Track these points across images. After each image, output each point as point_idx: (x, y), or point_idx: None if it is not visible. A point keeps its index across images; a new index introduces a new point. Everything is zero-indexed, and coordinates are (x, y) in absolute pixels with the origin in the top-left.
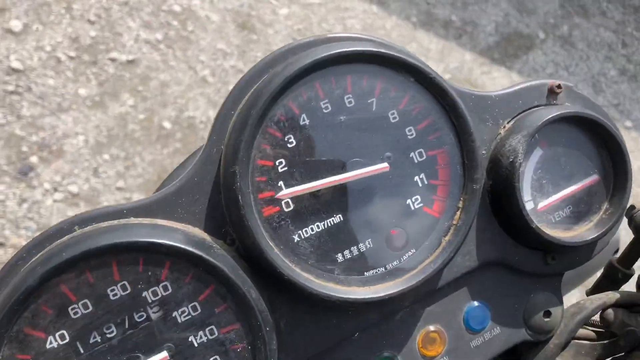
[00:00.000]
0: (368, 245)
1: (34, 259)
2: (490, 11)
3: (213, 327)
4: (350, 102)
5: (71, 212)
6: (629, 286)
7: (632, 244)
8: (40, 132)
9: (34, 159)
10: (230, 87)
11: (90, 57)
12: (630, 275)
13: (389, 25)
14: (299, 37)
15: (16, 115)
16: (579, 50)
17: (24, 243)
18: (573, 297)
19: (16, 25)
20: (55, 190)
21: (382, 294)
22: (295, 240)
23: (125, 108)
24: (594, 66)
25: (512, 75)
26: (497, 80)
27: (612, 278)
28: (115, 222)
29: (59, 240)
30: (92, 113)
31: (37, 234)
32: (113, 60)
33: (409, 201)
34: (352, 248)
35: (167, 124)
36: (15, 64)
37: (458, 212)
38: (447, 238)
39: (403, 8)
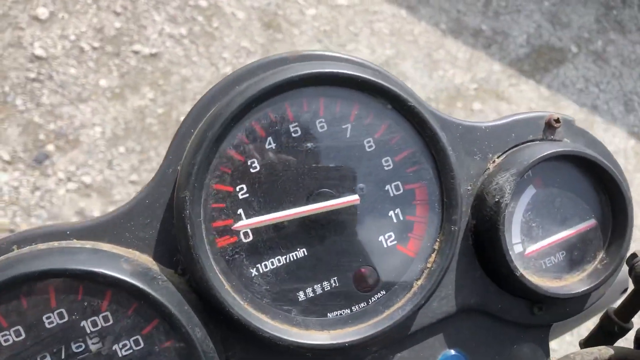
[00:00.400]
0: (333, 284)
1: None
2: (522, 22)
3: None
4: (322, 127)
5: (83, 203)
6: (627, 341)
7: (632, 296)
8: (58, 120)
9: (50, 148)
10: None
11: (114, 48)
12: (627, 330)
13: (417, 30)
14: (325, 39)
15: (36, 102)
16: (612, 66)
17: None
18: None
19: (43, 12)
20: (69, 180)
21: (342, 341)
22: (252, 275)
23: (145, 101)
24: (626, 84)
25: (540, 89)
26: (524, 93)
27: (608, 330)
28: (56, 244)
29: None
30: (111, 104)
31: (48, 222)
32: (136, 52)
33: (381, 238)
34: (315, 286)
35: None
36: (39, 52)
37: (433, 255)
38: (419, 282)
39: (433, 14)
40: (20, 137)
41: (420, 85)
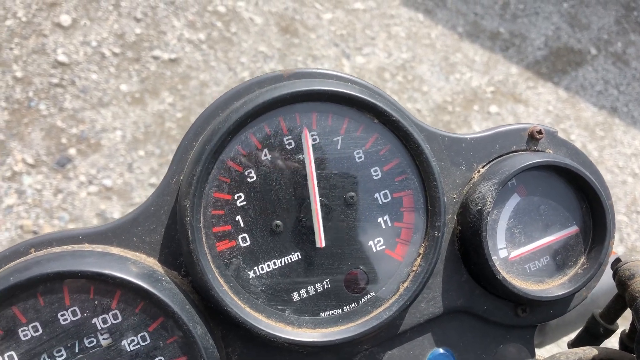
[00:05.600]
0: (325, 286)
1: None
2: (540, 24)
3: (161, 358)
4: (314, 139)
5: (103, 206)
6: (612, 342)
7: (616, 299)
8: (80, 125)
9: (72, 151)
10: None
11: (134, 54)
12: (612, 331)
13: (434, 34)
14: (341, 43)
15: (59, 107)
16: (632, 68)
17: None
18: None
19: (65, 20)
20: (90, 183)
21: (332, 338)
22: (249, 277)
23: (164, 106)
24: None
25: (558, 91)
26: (542, 96)
27: (594, 332)
28: (70, 247)
29: (12, 263)
30: (132, 109)
31: (69, 226)
32: (156, 58)
33: (371, 242)
34: (308, 288)
35: None
36: (62, 58)
37: (419, 259)
38: (405, 284)
39: (450, 18)
40: (43, 141)
41: (437, 88)
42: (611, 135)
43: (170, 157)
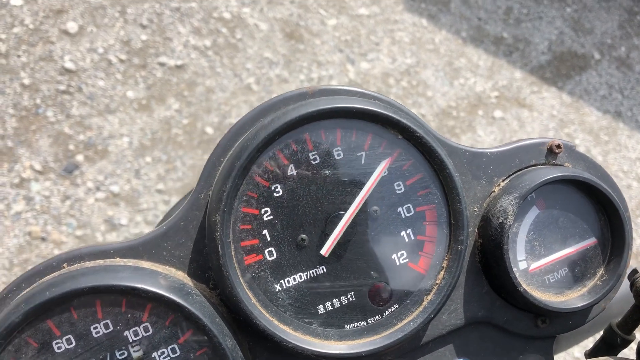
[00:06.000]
0: (350, 299)
1: (22, 294)
2: (544, 29)
3: None
4: (339, 155)
5: (111, 212)
6: (630, 352)
7: (633, 310)
8: (88, 131)
9: (79, 158)
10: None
11: (140, 60)
12: (629, 341)
13: (438, 39)
14: (346, 49)
15: (66, 114)
16: (636, 72)
17: (64, 239)
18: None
19: (72, 27)
20: (98, 189)
21: (359, 350)
22: (276, 290)
23: (171, 112)
24: None
25: (562, 96)
26: (546, 101)
27: (611, 342)
28: (101, 262)
29: (45, 278)
30: (138, 115)
31: (78, 232)
32: (162, 64)
33: (394, 256)
34: (333, 300)
35: (209, 130)
36: (69, 65)
37: (442, 272)
38: (429, 297)
39: (453, 22)
40: (51, 148)
41: (441, 93)
42: (615, 140)
43: (177, 164)
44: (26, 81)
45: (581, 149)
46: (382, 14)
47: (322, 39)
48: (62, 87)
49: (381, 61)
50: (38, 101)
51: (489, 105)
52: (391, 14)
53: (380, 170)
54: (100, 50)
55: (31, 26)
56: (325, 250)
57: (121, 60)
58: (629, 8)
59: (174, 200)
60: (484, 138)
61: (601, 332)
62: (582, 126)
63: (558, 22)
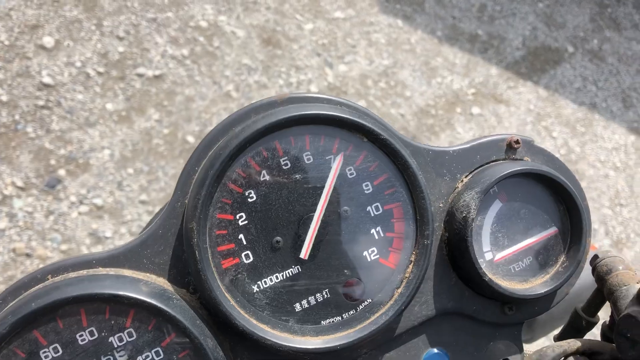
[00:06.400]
0: (325, 296)
1: (8, 306)
2: (517, 25)
3: None
4: (309, 159)
5: (95, 225)
6: (594, 334)
7: (595, 293)
8: (68, 145)
9: (61, 172)
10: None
11: (118, 72)
12: (593, 324)
13: (414, 39)
14: (323, 52)
15: (46, 129)
16: (609, 64)
17: (49, 254)
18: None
19: (48, 41)
20: (81, 203)
21: (334, 344)
22: (254, 291)
23: (151, 123)
24: (624, 81)
25: (539, 90)
26: (523, 95)
27: (577, 325)
28: (84, 272)
29: (30, 290)
30: (118, 127)
31: (63, 247)
32: (140, 75)
33: (365, 253)
34: (309, 298)
35: (190, 139)
36: (47, 79)
37: (410, 266)
38: (399, 290)
39: (428, 22)
40: (32, 164)
41: (419, 92)
42: (592, 131)
43: (159, 174)
44: (4, 98)
45: (559, 142)
46: (358, 16)
47: (299, 44)
48: (40, 102)
49: (359, 63)
50: (17, 117)
51: (466, 103)
52: (367, 16)
53: (337, 165)
54: (78, 64)
55: (6, 42)
56: (303, 253)
57: (99, 73)
58: (599, 1)
59: (157, 210)
60: (463, 135)
61: None
62: (558, 119)
63: (531, 17)
